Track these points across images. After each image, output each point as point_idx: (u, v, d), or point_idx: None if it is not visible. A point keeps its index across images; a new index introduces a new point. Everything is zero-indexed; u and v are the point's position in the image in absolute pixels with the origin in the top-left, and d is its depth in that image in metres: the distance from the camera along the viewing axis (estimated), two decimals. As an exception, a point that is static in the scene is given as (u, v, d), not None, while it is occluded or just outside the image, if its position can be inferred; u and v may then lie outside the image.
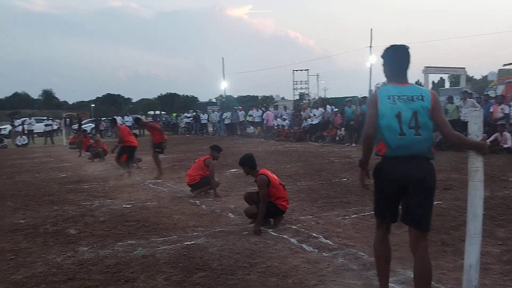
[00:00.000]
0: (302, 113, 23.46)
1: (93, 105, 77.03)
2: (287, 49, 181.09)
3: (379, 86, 59.38)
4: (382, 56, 3.29)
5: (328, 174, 10.12)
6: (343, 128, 19.25)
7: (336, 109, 21.43)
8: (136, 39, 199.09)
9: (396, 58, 3.24)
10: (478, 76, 63.91)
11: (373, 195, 3.49)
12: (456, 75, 35.75)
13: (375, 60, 40.02)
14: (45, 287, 3.88)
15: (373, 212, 3.67)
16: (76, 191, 8.79)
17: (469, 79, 48.43)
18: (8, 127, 31.90)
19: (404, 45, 3.25)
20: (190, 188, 8.02)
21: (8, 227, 6.03)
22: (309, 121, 21.76)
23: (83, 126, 30.95)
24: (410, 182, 3.12)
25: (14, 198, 8.26)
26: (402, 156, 3.11)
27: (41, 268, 4.36)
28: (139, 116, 21.94)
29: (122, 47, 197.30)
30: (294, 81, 47.28)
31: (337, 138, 19.53)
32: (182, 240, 5.13)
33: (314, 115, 21.54)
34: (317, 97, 52.87)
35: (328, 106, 21.79)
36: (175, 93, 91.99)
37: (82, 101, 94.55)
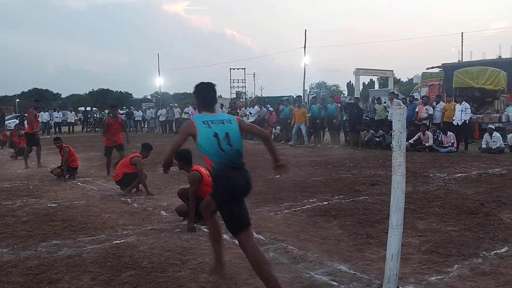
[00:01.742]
0: (238, 111, 23.57)
1: (18, 100, 72.52)
2: (224, 47, 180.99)
3: (313, 86, 61.11)
4: (194, 92, 3.86)
5: (262, 171, 10.20)
6: (278, 127, 19.57)
7: (271, 108, 21.74)
8: (67, 32, 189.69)
9: (206, 93, 3.83)
10: (404, 79, 67.52)
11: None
12: (385, 77, 37.61)
13: (309, 61, 41.01)
14: (-43, 293, 3.59)
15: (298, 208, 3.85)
16: (-4, 190, 8.23)
17: (397, 81, 51.10)
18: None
19: (211, 83, 3.86)
20: (119, 187, 7.79)
21: None
22: (245, 119, 21.89)
23: (6, 122, 29.05)
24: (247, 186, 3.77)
25: None
26: (230, 166, 3.60)
27: (-47, 273, 4.04)
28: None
29: (51, 40, 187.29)
30: (231, 79, 47.59)
31: (273, 136, 19.83)
32: (111, 239, 4.96)
33: (250, 113, 21.70)
34: (253, 96, 53.45)
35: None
36: (108, 89, 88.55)
37: (6, 95, 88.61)
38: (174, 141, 3.70)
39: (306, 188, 7.90)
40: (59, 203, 7.01)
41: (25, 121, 29.74)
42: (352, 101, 18.85)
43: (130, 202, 7.01)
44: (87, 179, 9.49)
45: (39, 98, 14.17)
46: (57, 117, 30.20)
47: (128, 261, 4.23)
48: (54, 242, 4.91)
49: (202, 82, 3.87)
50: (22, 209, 6.59)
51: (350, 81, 73.78)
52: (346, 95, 54.19)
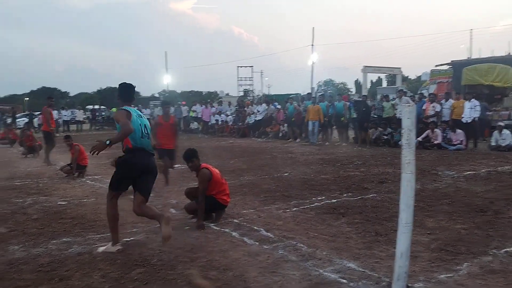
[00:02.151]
0: (246, 109, 23.59)
1: (27, 98, 73.06)
2: (232, 45, 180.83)
3: (320, 83, 60.92)
4: (119, 89, 4.88)
5: (270, 169, 10.24)
6: (286, 124, 19.56)
7: (279, 106, 21.72)
8: (74, 31, 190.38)
9: (129, 91, 4.89)
10: (413, 76, 67.00)
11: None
12: (393, 75, 37.43)
13: (316, 58, 40.92)
14: (-30, 289, 3.64)
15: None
16: (7, 188, 8.31)
17: (405, 79, 50.84)
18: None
19: (131, 84, 4.92)
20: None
21: None
22: (253, 117, 21.90)
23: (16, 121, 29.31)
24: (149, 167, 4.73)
25: None
26: (144, 149, 4.67)
27: (-34, 270, 4.09)
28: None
29: (59, 39, 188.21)
30: (238, 77, 47.62)
31: (280, 134, 19.82)
32: (120, 237, 4.98)
33: (258, 111, 21.72)
34: (261, 94, 53.42)
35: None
36: (116, 87, 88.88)
37: (15, 94, 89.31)
38: (124, 128, 4.38)
39: (314, 186, 7.90)
40: (68, 201, 7.07)
41: (34, 120, 30.10)
42: (360, 99, 18.78)
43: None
44: (95, 177, 9.56)
45: (50, 96, 14.16)
46: (65, 115, 30.37)
47: (138, 259, 4.26)
48: (64, 239, 4.96)
49: (125, 82, 4.91)
50: (32, 207, 6.65)
51: (357, 79, 73.45)
52: (353, 93, 53.99)
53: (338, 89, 65.25)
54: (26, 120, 30.37)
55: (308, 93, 22.56)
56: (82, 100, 70.29)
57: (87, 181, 9.05)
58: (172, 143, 8.28)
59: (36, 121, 30.85)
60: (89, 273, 3.94)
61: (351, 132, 17.46)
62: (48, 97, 13.74)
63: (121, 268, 4.04)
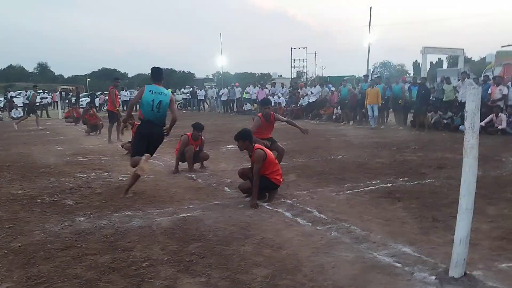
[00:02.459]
0: (299, 90, 23.44)
1: (89, 79, 76.45)
2: (286, 26, 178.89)
3: (377, 65, 59.21)
4: (150, 71, 6.27)
5: (323, 152, 10.18)
6: (339, 107, 19.27)
7: (333, 88, 21.40)
8: (134, 14, 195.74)
9: (156, 73, 6.26)
10: (476, 58, 63.61)
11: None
12: (455, 56, 35.66)
13: (373, 39, 39.72)
14: (43, 255, 3.94)
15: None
16: (72, 164, 8.82)
17: (467, 61, 48.27)
18: (2, 99, 31.70)
19: (158, 67, 6.31)
20: (184, 163, 8.06)
21: (6, 197, 6.07)
22: (306, 99, 21.74)
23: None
24: (153, 135, 6.11)
25: (11, 169, 8.28)
26: (151, 121, 6.05)
27: (39, 237, 4.42)
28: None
29: (119, 22, 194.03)
30: (292, 59, 47.09)
31: (334, 117, 19.58)
32: (178, 212, 5.20)
33: (312, 93, 21.51)
34: (314, 76, 52.73)
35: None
36: (172, 68, 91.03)
37: (78, 75, 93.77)
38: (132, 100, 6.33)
39: (369, 170, 7.78)
40: (129, 177, 7.39)
41: (96, 100, 31.47)
42: (419, 81, 18.12)
43: (195, 178, 7.27)
44: (154, 155, 9.88)
45: (116, 77, 14.80)
46: (125, 95, 31.50)
47: (195, 234, 4.42)
48: (126, 213, 5.22)
49: (154, 66, 6.24)
50: (96, 182, 7.03)
51: (416, 60, 70.70)
52: (411, 75, 52.02)
53: (396, 71, 63.14)
54: (88, 100, 31.84)
55: (364, 75, 22.01)
56: (140, 80, 72.48)
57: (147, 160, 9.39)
58: (270, 133, 7.51)
59: (97, 101, 32.27)
60: (149, 245, 4.14)
61: (408, 116, 16.92)
62: (114, 78, 14.33)
63: (179, 242, 4.21)
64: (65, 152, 10.59)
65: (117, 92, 13.39)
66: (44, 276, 3.48)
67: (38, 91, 26.10)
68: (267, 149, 5.81)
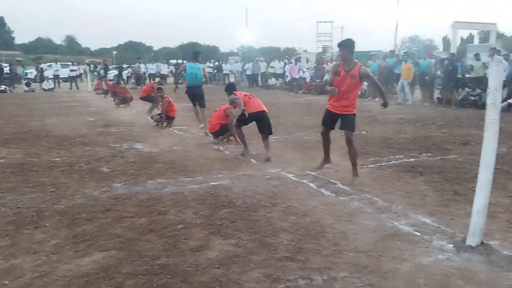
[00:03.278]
0: (324, 66, 23.30)
1: (115, 52, 77.18)
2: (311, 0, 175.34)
3: (405, 40, 57.85)
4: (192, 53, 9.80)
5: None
6: (365, 82, 19.11)
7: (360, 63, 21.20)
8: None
9: (193, 53, 9.65)
10: (510, 33, 61.42)
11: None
12: (486, 31, 34.56)
13: (401, 13, 38.78)
14: (85, 216, 4.28)
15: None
16: (105, 134, 9.21)
17: (500, 36, 46.69)
18: (34, 71, 32.51)
19: (196, 50, 10.17)
20: (212, 136, 8.33)
21: (46, 164, 6.46)
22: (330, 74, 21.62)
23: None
24: (197, 93, 9.48)
25: (48, 138, 8.71)
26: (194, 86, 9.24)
27: (80, 200, 4.77)
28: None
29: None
30: (317, 33, 46.49)
31: (359, 92, 19.46)
32: (208, 181, 5.48)
33: (337, 68, 21.36)
34: (340, 50, 51.89)
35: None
36: (196, 42, 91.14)
37: (104, 47, 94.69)
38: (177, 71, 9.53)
39: (392, 145, 7.90)
40: (159, 147, 7.72)
41: (124, 72, 31.92)
42: (447, 57, 17.79)
43: (222, 149, 7.54)
44: (182, 127, 10.22)
45: (162, 81, 14.65)
46: (152, 68, 31.87)
47: (224, 200, 4.70)
48: (159, 180, 5.53)
49: (194, 50, 9.57)
50: (129, 152, 7.38)
51: (446, 35, 68.70)
52: (441, 50, 50.77)
53: (424, 46, 61.60)
54: (116, 72, 32.34)
55: (390, 51, 21.69)
56: (166, 54, 72.92)
57: (175, 131, 9.73)
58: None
59: (124, 74, 32.75)
60: (182, 210, 4.44)
61: (435, 92, 16.75)
62: (158, 86, 14.23)
63: (210, 207, 4.50)
64: (97, 123, 11.00)
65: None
66: (88, 235, 3.82)
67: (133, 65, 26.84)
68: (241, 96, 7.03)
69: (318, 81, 22.48)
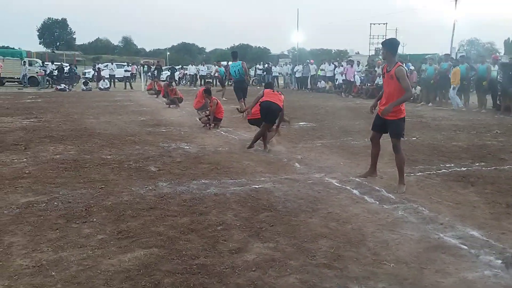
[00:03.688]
0: (376, 68, 22.80)
1: (168, 53, 79.36)
2: (365, 1, 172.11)
3: (463, 43, 55.62)
4: (231, 53, 14.15)
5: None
6: (418, 87, 18.57)
7: (412, 67, 20.58)
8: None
9: (233, 55, 13.54)
10: None
11: None
12: (553, 34, 32.53)
13: (460, 15, 37.26)
14: (131, 213, 4.43)
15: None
16: (155, 134, 9.47)
17: None
18: (92, 71, 34.02)
19: (235, 51, 14.25)
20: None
21: (97, 161, 6.74)
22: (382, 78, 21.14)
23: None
24: (240, 86, 13.17)
25: (101, 136, 9.08)
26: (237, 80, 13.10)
27: (127, 197, 4.94)
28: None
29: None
30: (370, 35, 45.71)
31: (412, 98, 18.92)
32: (250, 184, 5.51)
33: (389, 71, 20.85)
34: (393, 53, 50.65)
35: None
36: (247, 44, 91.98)
37: (159, 48, 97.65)
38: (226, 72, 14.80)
39: (443, 153, 7.61)
40: (206, 148, 7.85)
41: (176, 73, 32.71)
42: (508, 61, 16.92)
43: (267, 152, 7.55)
44: (229, 129, 10.34)
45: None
46: (202, 70, 32.49)
47: (265, 204, 4.71)
48: (203, 181, 5.63)
49: (233, 50, 13.85)
50: (176, 151, 7.55)
51: (508, 38, 65.44)
52: (502, 53, 48.37)
53: (484, 49, 58.94)
54: (168, 73, 33.22)
55: (445, 54, 20.92)
56: (217, 55, 74.04)
57: (222, 132, 9.86)
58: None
59: (177, 75, 33.58)
60: (223, 211, 4.49)
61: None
62: (206, 88, 14.63)
63: (250, 210, 4.52)
64: (147, 123, 11.35)
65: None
66: (132, 231, 3.95)
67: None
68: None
69: (368, 84, 22.05)
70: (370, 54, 44.53)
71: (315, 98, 20.81)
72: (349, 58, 32.59)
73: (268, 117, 7.71)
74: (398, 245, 3.69)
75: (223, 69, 24.17)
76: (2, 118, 11.81)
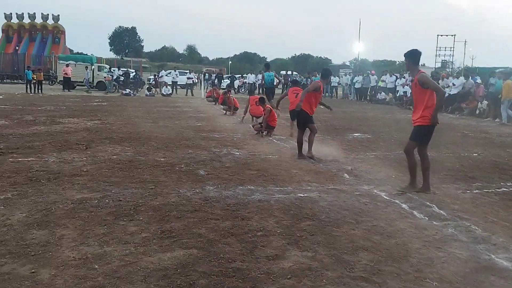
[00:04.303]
0: (440, 81, 21.93)
1: (230, 62, 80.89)
2: (433, 10, 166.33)
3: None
4: (264, 65, 18.22)
5: (457, 148, 9.58)
6: (485, 101, 17.65)
7: (479, 80, 19.61)
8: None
9: (266, 66, 17.54)
10: None
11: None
12: None
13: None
14: (175, 214, 4.54)
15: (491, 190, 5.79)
16: (208, 139, 9.67)
17: None
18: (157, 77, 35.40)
19: (267, 63, 20.55)
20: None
21: (151, 163, 6.98)
22: (447, 91, 20.28)
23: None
24: (270, 91, 16.33)
25: (157, 139, 9.40)
26: (270, 87, 16.45)
27: (174, 199, 5.07)
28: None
29: (259, 6, 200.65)
30: (437, 47, 44.03)
31: (477, 112, 18.02)
32: (296, 192, 5.48)
33: (454, 84, 20.02)
34: (461, 66, 48.59)
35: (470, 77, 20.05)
36: (309, 54, 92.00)
37: (221, 57, 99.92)
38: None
39: (506, 171, 7.17)
40: (256, 155, 7.91)
41: (235, 82, 33.26)
42: None
43: (316, 162, 7.47)
44: (281, 137, 10.35)
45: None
46: (259, 79, 32.77)
47: (308, 213, 4.65)
48: (249, 187, 5.67)
49: (266, 63, 19.84)
50: (226, 157, 7.66)
51: None
52: None
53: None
54: (228, 82, 33.88)
55: (517, 67, 19.73)
56: (278, 65, 74.50)
57: (273, 140, 9.89)
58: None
59: (236, 83, 34.15)
60: (265, 217, 4.49)
61: None
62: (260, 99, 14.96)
63: (292, 218, 4.49)
64: (203, 128, 11.62)
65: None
66: (174, 232, 4.04)
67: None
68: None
69: (431, 97, 21.21)
70: (436, 67, 42.83)
71: (374, 109, 20.35)
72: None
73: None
74: (444, 263, 3.52)
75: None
76: (69, 119, 12.57)
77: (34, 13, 45.98)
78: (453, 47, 44.31)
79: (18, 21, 45.79)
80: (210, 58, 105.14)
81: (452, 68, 44.85)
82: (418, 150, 5.68)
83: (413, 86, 5.83)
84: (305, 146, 7.81)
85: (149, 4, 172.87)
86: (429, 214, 4.76)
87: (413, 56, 5.70)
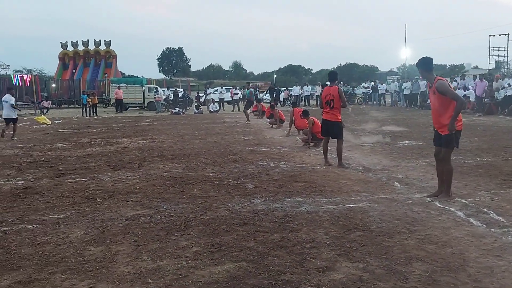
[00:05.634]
0: (494, 83, 21.00)
1: (275, 75, 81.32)
2: (484, 9, 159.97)
3: None
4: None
5: (518, 151, 9.10)
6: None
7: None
8: (318, 10, 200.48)
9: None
10: None
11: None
12: None
13: None
14: (225, 228, 4.59)
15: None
16: (255, 153, 9.74)
17: None
18: (203, 95, 36.20)
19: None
20: (358, 157, 8.18)
21: (200, 178, 7.12)
22: (502, 93, 19.39)
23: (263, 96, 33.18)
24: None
25: (206, 155, 9.59)
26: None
27: (223, 213, 5.14)
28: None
29: (303, 18, 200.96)
30: (490, 48, 42.23)
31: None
32: (345, 202, 5.40)
33: (509, 85, 19.10)
34: (517, 66, 46.25)
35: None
36: (354, 63, 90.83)
37: (266, 71, 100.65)
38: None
39: None
40: (303, 166, 7.88)
41: (280, 95, 33.38)
42: None
43: (365, 171, 7.34)
44: (329, 148, 10.22)
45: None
46: (306, 90, 32.79)
47: (358, 223, 4.57)
48: (297, 199, 5.65)
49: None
50: (274, 170, 7.68)
51: None
52: None
53: None
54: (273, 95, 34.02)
55: None
56: (323, 76, 74.03)
57: (321, 151, 9.79)
58: None
59: (281, 96, 34.26)
60: (314, 229, 4.45)
61: None
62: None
63: (342, 229, 4.42)
64: (250, 142, 11.72)
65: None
66: (224, 245, 4.09)
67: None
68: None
69: (486, 100, 20.36)
70: (490, 68, 41.04)
71: (425, 115, 19.70)
72: (463, 73, 30.46)
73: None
74: (505, 272, 3.34)
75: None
76: (123, 140, 13.08)
77: (88, 40, 48.44)
78: (507, 47, 42.31)
79: (73, 48, 48.40)
80: (255, 73, 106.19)
81: (507, 69, 42.85)
82: (443, 154, 5.57)
83: (431, 93, 5.73)
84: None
85: (195, 27, 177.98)
86: (487, 221, 4.54)
87: (425, 64, 5.66)
